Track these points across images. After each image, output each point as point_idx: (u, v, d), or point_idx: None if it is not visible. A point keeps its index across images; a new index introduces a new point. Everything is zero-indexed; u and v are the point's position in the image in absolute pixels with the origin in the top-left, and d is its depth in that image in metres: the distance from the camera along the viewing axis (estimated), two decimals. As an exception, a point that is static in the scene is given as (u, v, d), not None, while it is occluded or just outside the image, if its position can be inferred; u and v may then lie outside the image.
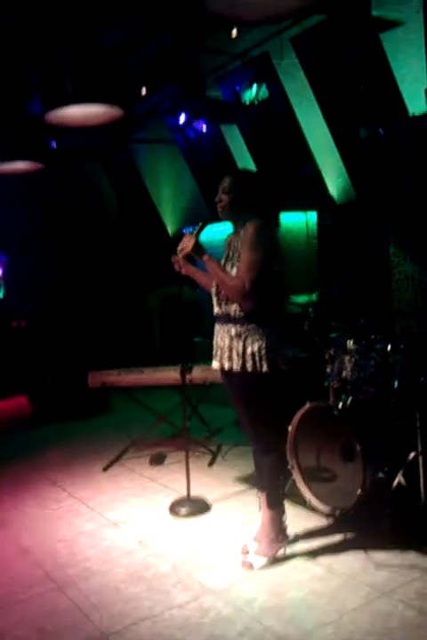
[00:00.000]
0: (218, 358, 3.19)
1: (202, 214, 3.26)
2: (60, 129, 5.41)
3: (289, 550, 3.29)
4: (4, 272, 9.17)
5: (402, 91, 5.85)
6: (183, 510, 3.95)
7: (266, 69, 6.88)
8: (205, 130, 8.31)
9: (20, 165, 6.47)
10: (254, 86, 7.27)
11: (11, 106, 6.01)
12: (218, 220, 3.28)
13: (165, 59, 5.94)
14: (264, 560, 3.21)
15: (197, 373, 4.84)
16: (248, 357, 3.03)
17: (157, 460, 5.00)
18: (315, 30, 5.95)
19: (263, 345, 3.01)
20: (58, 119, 4.96)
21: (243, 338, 3.05)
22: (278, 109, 7.15)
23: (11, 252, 9.03)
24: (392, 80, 5.81)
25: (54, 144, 7.83)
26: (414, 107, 5.83)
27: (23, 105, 5.89)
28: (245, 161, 7.96)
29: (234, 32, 5.46)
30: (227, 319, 3.12)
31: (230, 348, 3.09)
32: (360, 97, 6.07)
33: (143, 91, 6.83)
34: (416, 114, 5.59)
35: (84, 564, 3.41)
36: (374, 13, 4.90)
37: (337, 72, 6.11)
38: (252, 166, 7.79)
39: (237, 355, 3.06)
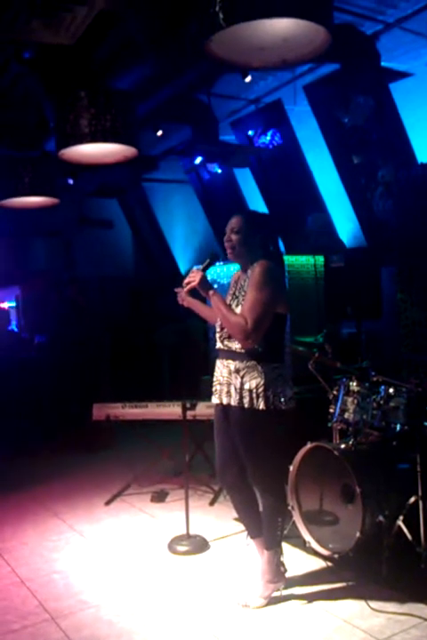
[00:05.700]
0: (217, 394, 3.21)
1: (214, 254, 3.37)
2: (77, 166, 5.54)
3: (286, 592, 3.25)
4: (17, 304, 9.31)
5: (412, 139, 5.95)
6: (182, 548, 3.92)
7: (279, 115, 7.05)
8: (218, 171, 8.48)
9: (36, 200, 6.61)
10: (268, 132, 7.42)
11: (29, 143, 6.19)
12: (226, 259, 3.33)
13: (178, 102, 6.09)
14: (261, 601, 3.18)
15: (203, 410, 4.84)
16: (245, 393, 3.03)
17: (159, 497, 4.98)
18: (327, 79, 6.10)
19: (261, 382, 3.02)
20: (73, 157, 5.07)
21: (241, 374, 3.06)
22: (290, 155, 7.29)
23: (24, 285, 9.18)
24: (402, 129, 5.92)
25: (71, 180, 8.02)
26: (424, 156, 5.93)
27: (40, 142, 6.06)
28: (258, 204, 8.09)
29: (248, 77, 5.63)
30: (228, 354, 3.15)
31: (228, 382, 3.12)
32: (371, 144, 6.18)
33: (159, 133, 7.03)
34: (425, 163, 5.67)
35: (79, 596, 3.39)
36: (384, 64, 5.02)
37: (348, 120, 6.23)
38: (263, 209, 7.90)
39: (235, 390, 3.07)
